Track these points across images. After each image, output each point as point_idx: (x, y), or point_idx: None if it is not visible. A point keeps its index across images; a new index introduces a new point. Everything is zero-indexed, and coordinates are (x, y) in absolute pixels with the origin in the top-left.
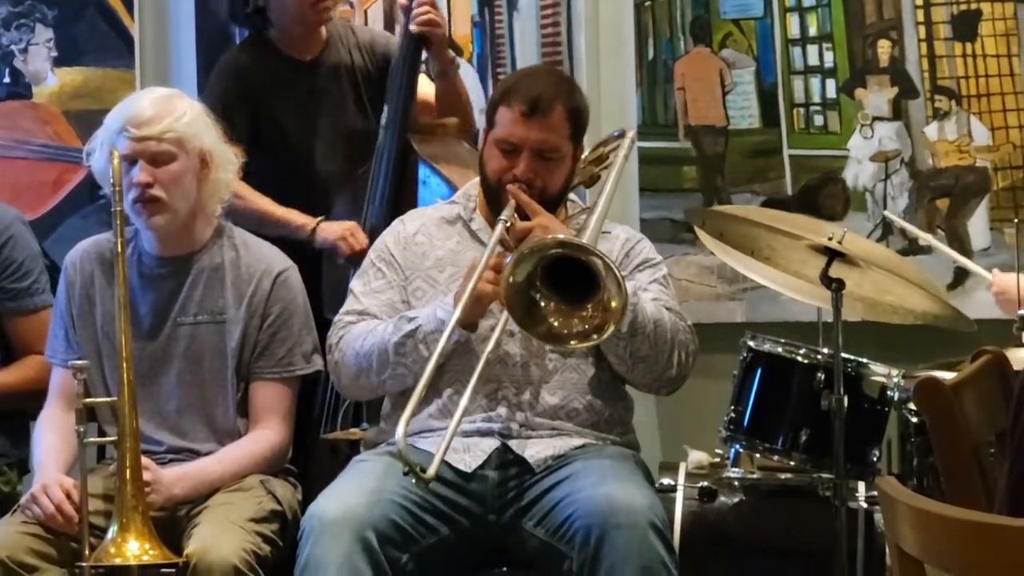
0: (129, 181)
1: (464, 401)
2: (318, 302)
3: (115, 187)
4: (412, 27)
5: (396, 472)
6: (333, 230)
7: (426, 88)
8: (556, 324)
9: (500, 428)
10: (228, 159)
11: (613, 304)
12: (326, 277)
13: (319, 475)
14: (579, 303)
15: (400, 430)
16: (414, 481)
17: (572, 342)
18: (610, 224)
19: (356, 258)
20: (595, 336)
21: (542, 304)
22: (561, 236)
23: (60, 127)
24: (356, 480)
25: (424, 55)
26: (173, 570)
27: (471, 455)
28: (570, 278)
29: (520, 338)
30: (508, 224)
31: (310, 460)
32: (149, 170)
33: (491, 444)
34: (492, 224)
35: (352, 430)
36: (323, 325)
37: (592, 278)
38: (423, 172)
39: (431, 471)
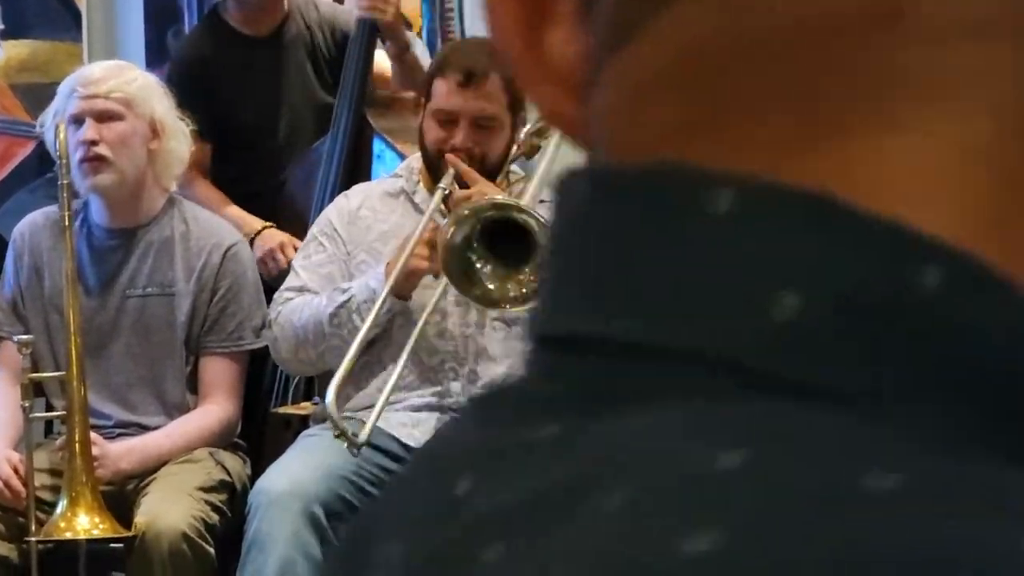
0: (76, 141)
1: (401, 363)
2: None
3: (62, 160)
4: (356, 12)
5: (345, 447)
6: (265, 242)
7: (384, 61)
8: (492, 287)
9: (450, 403)
10: (180, 131)
11: None
12: None
13: (270, 449)
14: (517, 267)
15: (330, 394)
16: (345, 446)
17: (508, 306)
18: (552, 194)
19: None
20: (532, 300)
21: (479, 267)
22: (498, 197)
23: (7, 101)
24: (304, 455)
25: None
26: (121, 545)
27: (420, 430)
28: (509, 243)
29: (464, 308)
30: (447, 192)
31: (261, 434)
32: (95, 127)
33: (440, 419)
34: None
35: (303, 404)
36: None
37: (530, 242)
38: (378, 146)
39: (363, 436)
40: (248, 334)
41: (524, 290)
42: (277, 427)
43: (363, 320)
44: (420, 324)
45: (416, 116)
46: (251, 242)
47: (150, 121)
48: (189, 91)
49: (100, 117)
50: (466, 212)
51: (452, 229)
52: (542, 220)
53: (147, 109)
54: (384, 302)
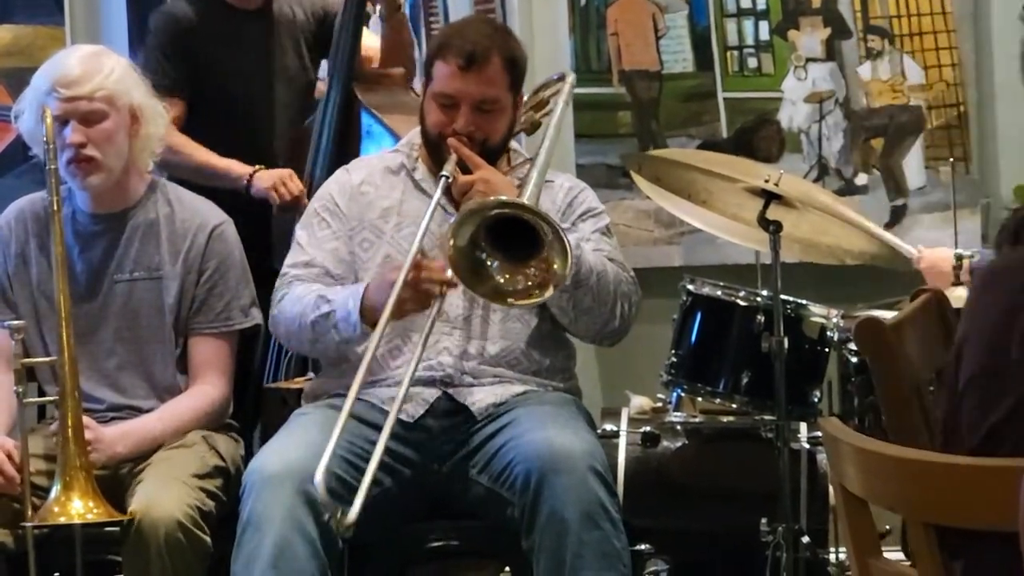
0: (62, 142)
1: (410, 372)
2: (267, 251)
3: (48, 145)
4: None
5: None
6: (267, 178)
7: (368, 42)
8: (502, 282)
9: (442, 377)
10: (157, 112)
11: (556, 262)
12: (275, 226)
13: (268, 426)
14: (524, 260)
15: (319, 476)
16: (334, 527)
17: (517, 299)
18: (553, 173)
19: (290, 206)
20: (538, 293)
21: (488, 263)
22: (503, 197)
23: None
24: (297, 434)
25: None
26: (117, 528)
27: (413, 405)
28: (514, 232)
29: (462, 288)
30: (450, 179)
31: (254, 412)
32: (81, 130)
33: (433, 393)
34: (435, 174)
35: (296, 379)
36: (273, 275)
37: (535, 234)
38: (366, 122)
39: (352, 515)
40: (236, 314)
41: (530, 283)
42: (276, 404)
43: (339, 335)
44: (428, 325)
45: (404, 90)
46: (247, 186)
47: (130, 109)
48: (171, 46)
49: (85, 119)
50: (469, 213)
51: (453, 239)
52: (550, 220)
53: (127, 100)
54: (361, 332)
